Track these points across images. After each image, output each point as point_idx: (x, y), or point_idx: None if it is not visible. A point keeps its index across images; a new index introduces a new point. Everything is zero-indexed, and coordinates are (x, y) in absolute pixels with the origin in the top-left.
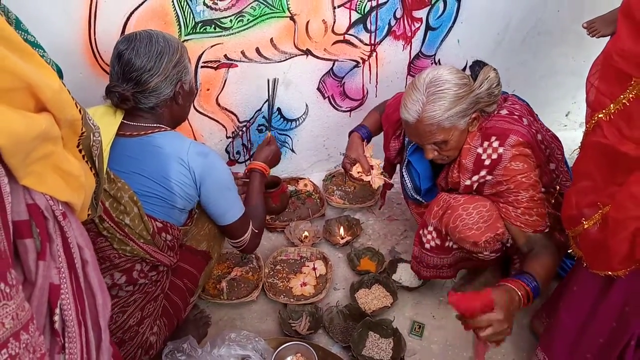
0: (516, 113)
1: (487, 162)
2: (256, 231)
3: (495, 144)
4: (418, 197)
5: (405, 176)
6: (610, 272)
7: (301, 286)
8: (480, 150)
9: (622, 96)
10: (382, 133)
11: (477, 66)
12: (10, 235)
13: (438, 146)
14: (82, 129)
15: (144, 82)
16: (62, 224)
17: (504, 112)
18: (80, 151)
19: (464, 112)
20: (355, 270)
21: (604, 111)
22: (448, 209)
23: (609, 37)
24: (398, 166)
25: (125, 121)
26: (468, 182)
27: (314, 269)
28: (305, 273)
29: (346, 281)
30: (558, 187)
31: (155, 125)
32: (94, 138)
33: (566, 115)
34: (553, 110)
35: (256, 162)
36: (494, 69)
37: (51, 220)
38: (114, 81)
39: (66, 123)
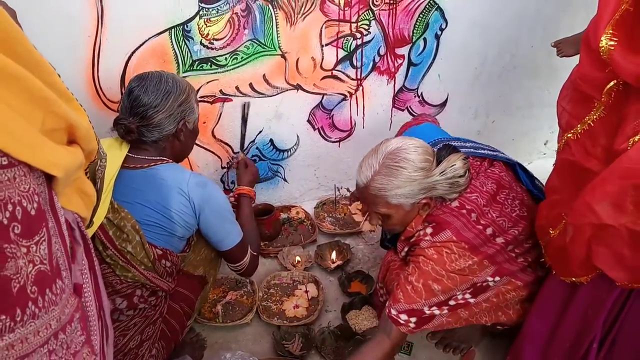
0: (467, 206)
1: (412, 240)
2: (254, 254)
3: (429, 230)
4: (390, 245)
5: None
6: (574, 279)
7: (294, 308)
8: (417, 232)
9: (587, 117)
10: None
11: (445, 151)
12: (66, 240)
13: (381, 217)
14: (95, 156)
15: (148, 117)
16: (85, 232)
17: (455, 203)
18: (86, 174)
19: (413, 195)
20: (346, 293)
21: (572, 131)
22: (387, 271)
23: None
24: None
25: (130, 154)
26: (400, 255)
27: (306, 291)
28: (297, 296)
29: (337, 303)
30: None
31: (158, 158)
32: (100, 164)
33: (545, 144)
34: (532, 139)
35: (242, 187)
36: (464, 158)
37: (77, 230)
38: (122, 114)
39: (87, 153)
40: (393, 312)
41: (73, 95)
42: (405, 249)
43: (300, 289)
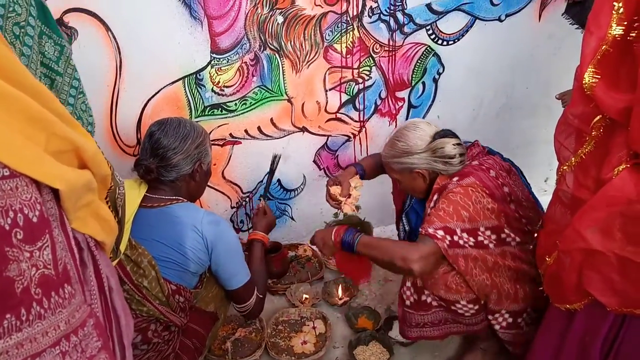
0: (485, 165)
1: (442, 190)
2: (260, 296)
3: (455, 179)
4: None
5: (404, 220)
6: (568, 305)
7: (302, 344)
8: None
9: (580, 151)
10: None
11: (438, 136)
12: (76, 256)
13: (397, 180)
14: (111, 183)
15: (167, 158)
16: (95, 253)
17: (475, 162)
18: (107, 203)
19: (407, 166)
20: (353, 329)
21: (567, 164)
22: None
23: None
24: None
25: (147, 194)
26: (428, 210)
27: (314, 327)
28: (305, 332)
29: (345, 339)
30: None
31: (174, 197)
32: (119, 191)
33: (545, 181)
34: (531, 176)
35: (256, 232)
36: (456, 144)
37: (85, 250)
38: (142, 156)
39: (100, 178)
40: (430, 230)
41: (78, 122)
42: (435, 198)
43: (308, 325)
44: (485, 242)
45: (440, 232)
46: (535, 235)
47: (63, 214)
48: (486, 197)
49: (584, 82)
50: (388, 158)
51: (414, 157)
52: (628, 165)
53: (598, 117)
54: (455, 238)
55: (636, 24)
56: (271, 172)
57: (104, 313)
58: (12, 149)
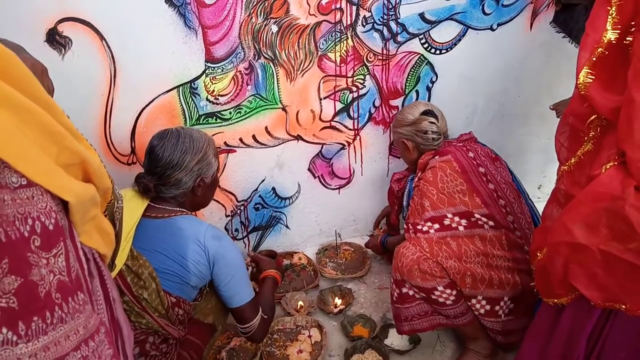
0: (467, 147)
1: (427, 166)
2: (265, 317)
3: (437, 157)
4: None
5: (404, 198)
6: (556, 300)
7: (297, 353)
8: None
9: (579, 151)
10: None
11: (423, 114)
12: (84, 265)
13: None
14: (111, 197)
15: (167, 176)
16: (100, 264)
17: (459, 144)
18: (105, 216)
19: (398, 135)
20: (348, 337)
21: (567, 164)
22: (397, 253)
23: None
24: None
25: (151, 204)
26: (415, 182)
27: (310, 336)
28: (301, 341)
29: (340, 348)
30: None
31: (177, 209)
32: (118, 205)
33: (538, 188)
34: (525, 183)
35: (268, 271)
36: (432, 123)
37: (92, 262)
38: (143, 172)
39: (102, 191)
40: (411, 231)
41: (83, 136)
42: (419, 174)
43: (304, 334)
44: (453, 225)
45: (412, 229)
46: (518, 233)
47: (72, 225)
48: (455, 178)
49: (578, 81)
50: (392, 127)
51: (403, 128)
52: (616, 163)
53: (593, 117)
54: (419, 227)
55: (632, 29)
56: None
57: (110, 323)
58: (29, 160)
